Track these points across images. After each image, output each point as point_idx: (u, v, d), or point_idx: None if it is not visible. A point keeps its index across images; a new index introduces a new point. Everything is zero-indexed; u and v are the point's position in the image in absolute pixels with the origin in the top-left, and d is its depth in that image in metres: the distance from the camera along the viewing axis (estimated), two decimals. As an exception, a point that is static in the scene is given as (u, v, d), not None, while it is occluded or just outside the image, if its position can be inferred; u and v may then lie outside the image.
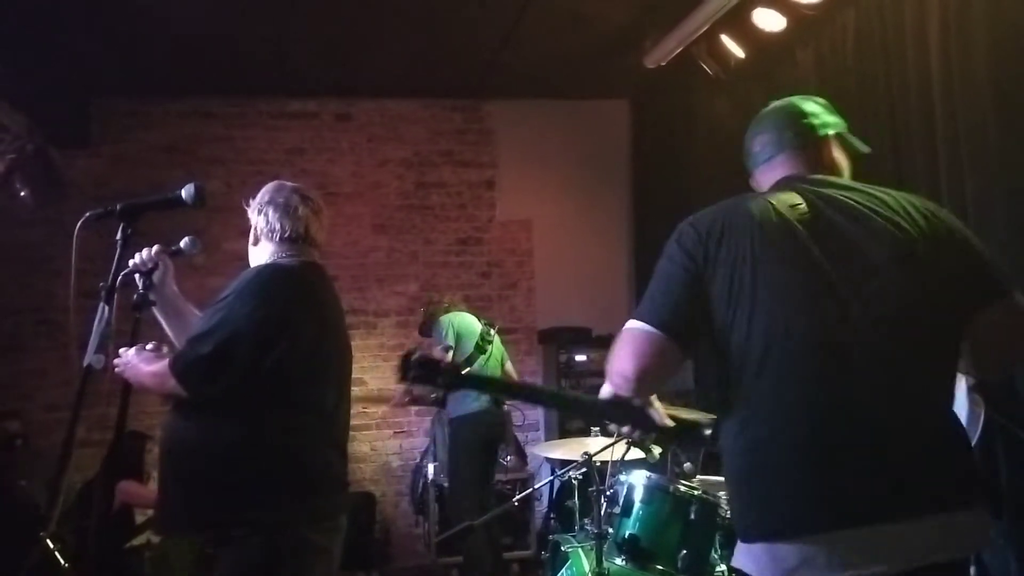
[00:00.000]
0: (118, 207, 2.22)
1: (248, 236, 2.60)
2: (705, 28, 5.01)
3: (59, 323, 5.92)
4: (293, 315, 2.37)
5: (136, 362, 2.36)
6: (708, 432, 1.90)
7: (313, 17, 5.07)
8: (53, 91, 5.36)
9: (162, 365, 2.32)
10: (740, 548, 1.73)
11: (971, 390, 3.17)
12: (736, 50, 5.10)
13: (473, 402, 5.15)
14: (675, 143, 6.31)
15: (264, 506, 2.26)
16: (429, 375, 1.78)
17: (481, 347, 5.28)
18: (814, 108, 1.99)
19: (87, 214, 2.20)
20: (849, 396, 1.63)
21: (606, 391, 1.83)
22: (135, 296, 2.34)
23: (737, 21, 4.89)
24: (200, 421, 2.31)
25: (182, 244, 2.49)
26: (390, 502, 6.50)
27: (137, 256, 2.41)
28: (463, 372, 1.86)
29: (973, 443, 3.10)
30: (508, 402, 5.98)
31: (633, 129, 7.13)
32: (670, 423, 1.85)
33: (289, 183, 2.62)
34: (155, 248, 2.45)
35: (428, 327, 5.49)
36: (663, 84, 6.12)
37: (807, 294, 1.68)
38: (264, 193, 2.57)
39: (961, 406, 3.13)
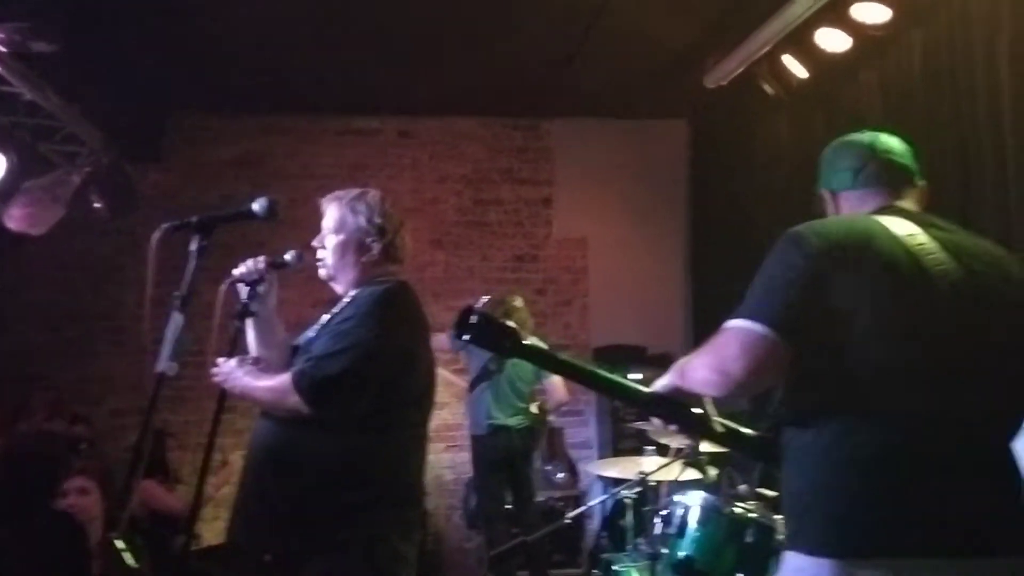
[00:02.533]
0: (194, 219, 2.28)
1: (313, 250, 2.62)
2: (767, 48, 4.98)
3: (128, 331, 6.11)
4: (413, 339, 2.48)
5: (241, 374, 2.39)
6: (752, 447, 1.85)
7: (379, 36, 5.17)
8: (128, 107, 5.54)
9: (281, 380, 2.34)
10: (799, 562, 1.67)
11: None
12: (799, 70, 5.05)
13: (484, 420, 5.20)
14: (734, 164, 6.27)
15: (367, 519, 2.32)
16: (486, 337, 1.75)
17: (498, 362, 5.16)
18: (906, 151, 2.00)
19: (164, 225, 2.25)
20: (954, 429, 1.64)
21: (661, 384, 1.83)
22: (238, 306, 2.40)
23: (800, 41, 4.84)
24: (306, 435, 2.34)
25: (287, 257, 2.50)
26: (442, 515, 6.53)
27: (243, 266, 2.46)
28: (523, 342, 1.82)
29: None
30: (555, 418, 5.99)
31: (691, 149, 7.10)
32: (720, 428, 1.82)
33: (379, 194, 2.63)
34: (261, 259, 2.47)
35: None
36: (723, 105, 6.10)
37: (924, 323, 1.68)
38: (366, 204, 2.56)
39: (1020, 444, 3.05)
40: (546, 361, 2.00)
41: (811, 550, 1.67)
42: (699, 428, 1.83)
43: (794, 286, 1.69)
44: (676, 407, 1.80)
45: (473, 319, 1.76)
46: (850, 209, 1.94)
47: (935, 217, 1.87)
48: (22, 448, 3.63)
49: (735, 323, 1.69)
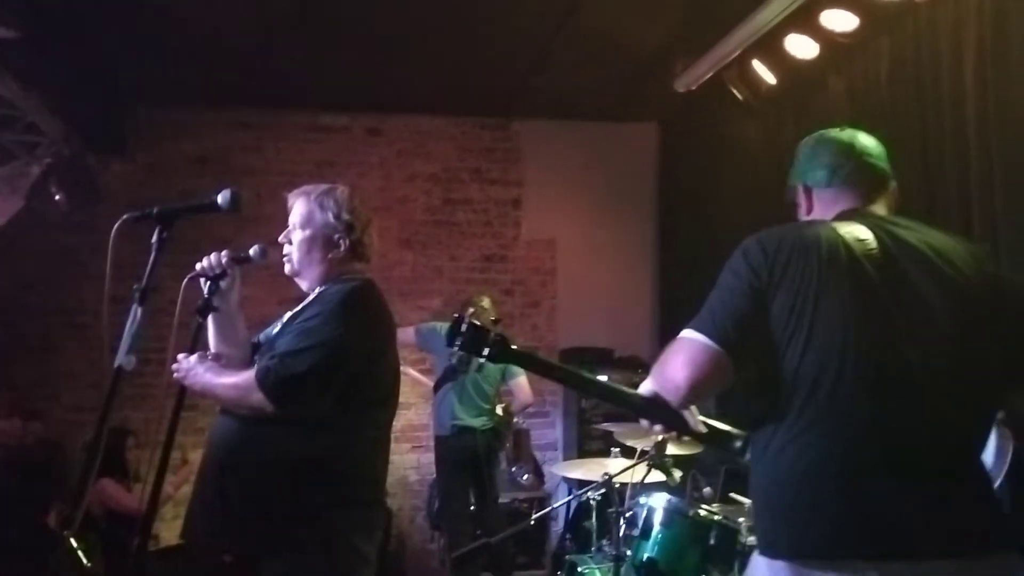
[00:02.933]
0: (155, 210, 2.23)
1: (279, 246, 2.59)
2: (737, 53, 5.01)
3: (88, 326, 6.00)
4: (379, 339, 2.47)
5: (202, 371, 2.36)
6: (738, 444, 1.90)
7: (347, 32, 5.13)
8: (90, 98, 5.44)
9: (245, 377, 2.31)
10: (759, 563, 1.72)
11: (999, 423, 3.13)
12: (767, 76, 5.09)
13: (449, 421, 5.18)
14: (703, 168, 6.30)
15: (329, 518, 2.30)
16: (477, 344, 1.81)
17: (465, 363, 5.12)
18: (882, 152, 2.02)
19: (124, 216, 2.20)
20: (899, 433, 1.67)
21: (646, 388, 1.86)
22: (200, 301, 2.36)
23: (769, 47, 4.89)
24: (268, 433, 2.31)
25: (251, 252, 2.46)
26: (406, 516, 6.50)
27: (205, 260, 2.41)
28: (512, 347, 1.86)
29: (1001, 476, 3.08)
30: (521, 419, 5.99)
31: (661, 153, 7.13)
32: (703, 428, 1.88)
33: (348, 190, 2.61)
34: (224, 254, 2.42)
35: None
36: (692, 109, 6.13)
37: (866, 329, 1.70)
38: (335, 200, 2.54)
39: (990, 440, 3.09)
40: (535, 365, 2.01)
41: (768, 551, 1.71)
42: (683, 429, 1.87)
43: (737, 296, 1.74)
44: (662, 409, 1.84)
45: (463, 327, 1.82)
46: (822, 206, 1.96)
47: (906, 219, 1.88)
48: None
49: (687, 334, 1.77)
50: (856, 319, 1.70)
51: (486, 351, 1.82)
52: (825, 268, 1.72)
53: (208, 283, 2.39)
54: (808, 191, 2.01)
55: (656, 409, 1.84)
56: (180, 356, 2.38)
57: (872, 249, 1.75)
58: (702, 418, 1.89)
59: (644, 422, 1.94)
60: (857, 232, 1.78)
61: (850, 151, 1.98)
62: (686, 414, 1.85)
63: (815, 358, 1.68)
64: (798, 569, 1.64)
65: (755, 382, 1.74)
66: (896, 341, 1.69)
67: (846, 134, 2.03)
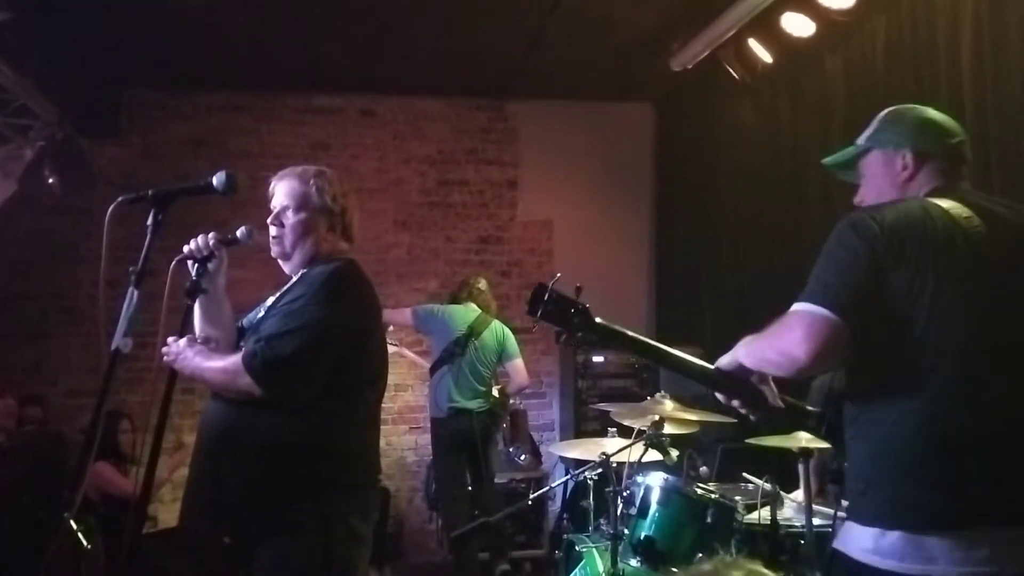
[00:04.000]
0: (150, 192, 2.21)
1: (265, 228, 2.55)
2: (733, 32, 5.00)
3: (83, 310, 5.99)
4: (365, 318, 2.45)
5: (192, 355, 2.34)
6: (812, 421, 1.94)
7: (342, 13, 5.09)
8: (84, 80, 5.41)
9: (232, 361, 2.29)
10: (862, 535, 1.73)
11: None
12: (763, 55, 5.07)
13: (445, 403, 5.19)
14: (699, 147, 6.29)
15: (323, 500, 2.29)
16: (560, 314, 1.80)
17: (461, 345, 5.20)
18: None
19: (119, 198, 2.18)
20: (1008, 410, 1.73)
21: (726, 361, 1.88)
22: (187, 284, 2.33)
23: (765, 25, 4.87)
24: (259, 416, 2.30)
25: (238, 233, 2.42)
26: (404, 497, 6.53)
27: (193, 243, 2.38)
28: (596, 320, 1.85)
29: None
30: (518, 400, 6.02)
31: (657, 132, 7.12)
32: (781, 404, 1.90)
33: (336, 173, 2.59)
34: (211, 236, 2.39)
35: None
36: (688, 88, 6.11)
37: (982, 306, 1.75)
38: (328, 182, 2.52)
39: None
40: (616, 339, 1.99)
41: (880, 522, 1.71)
42: (762, 404, 1.89)
43: (855, 270, 1.74)
44: (739, 383, 1.86)
45: (547, 295, 1.79)
46: (927, 177, 1.95)
47: (989, 196, 1.95)
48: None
49: (801, 307, 1.74)
50: (973, 295, 1.74)
51: (573, 321, 1.79)
52: (943, 245, 1.75)
53: (196, 265, 2.38)
54: (921, 158, 1.96)
55: (735, 383, 1.86)
56: (170, 340, 2.37)
57: (977, 227, 1.79)
58: (779, 395, 1.91)
59: (721, 396, 1.95)
60: (960, 209, 1.81)
61: (955, 131, 1.99)
62: (765, 389, 1.88)
63: (938, 332, 1.71)
64: (916, 539, 1.67)
65: (862, 355, 1.75)
66: (1006, 318, 1.75)
67: (944, 116, 2.03)
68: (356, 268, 2.50)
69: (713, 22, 5.01)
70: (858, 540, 1.74)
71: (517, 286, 6.89)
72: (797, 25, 4.68)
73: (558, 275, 1.88)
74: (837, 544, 1.82)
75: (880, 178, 2.00)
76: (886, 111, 2.06)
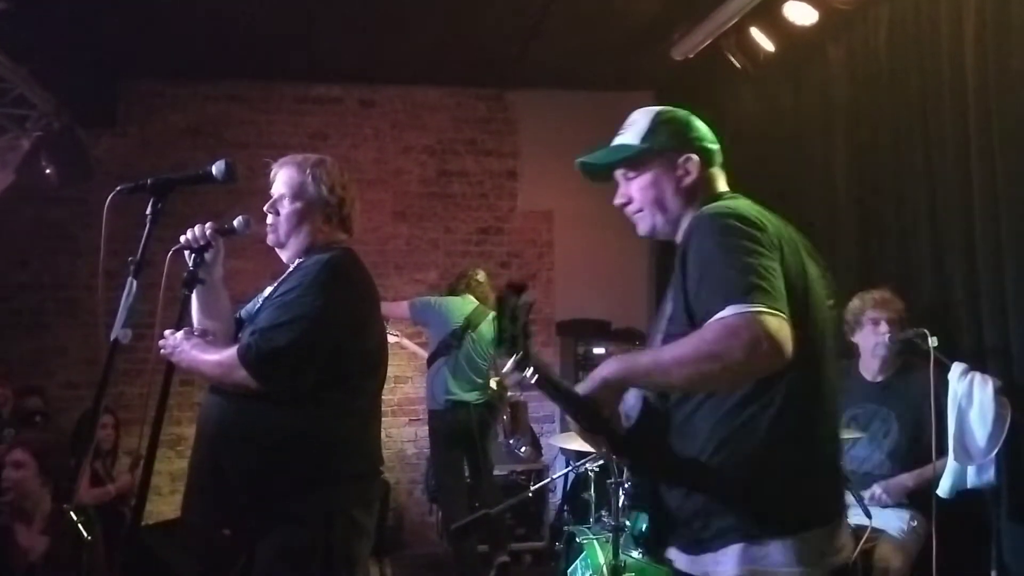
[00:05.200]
0: (149, 181, 2.19)
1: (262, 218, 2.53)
2: (735, 20, 4.95)
3: (81, 301, 5.97)
4: (362, 308, 2.43)
5: (188, 347, 2.32)
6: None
7: (341, 2, 5.05)
8: (81, 70, 5.37)
9: (228, 355, 2.28)
10: (775, 550, 1.65)
11: (998, 392, 3.13)
12: (766, 44, 5.03)
13: (442, 395, 5.19)
14: (700, 137, 6.25)
15: (324, 492, 2.28)
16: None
17: (458, 337, 5.20)
18: None
19: (118, 188, 2.17)
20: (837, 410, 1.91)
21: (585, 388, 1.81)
22: (185, 274, 2.32)
23: (768, 14, 4.82)
24: (257, 409, 2.29)
25: (235, 223, 2.40)
26: (404, 490, 6.52)
27: (189, 232, 2.35)
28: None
29: (999, 445, 3.08)
30: (518, 392, 6.00)
31: (658, 122, 7.07)
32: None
33: (336, 162, 2.57)
34: (208, 225, 2.37)
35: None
36: (690, 77, 6.06)
37: (825, 308, 1.82)
38: (327, 172, 2.49)
39: (988, 409, 3.10)
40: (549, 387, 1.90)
41: (782, 530, 1.66)
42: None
43: (767, 259, 1.62)
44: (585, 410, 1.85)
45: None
46: (713, 183, 1.96)
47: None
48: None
49: (742, 308, 1.53)
50: (822, 301, 1.80)
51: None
52: (798, 244, 1.78)
53: (193, 255, 2.36)
54: (706, 163, 1.93)
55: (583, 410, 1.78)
56: (167, 332, 2.36)
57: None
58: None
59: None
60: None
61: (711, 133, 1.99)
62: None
63: (815, 327, 1.73)
64: (831, 533, 1.72)
65: None
66: (826, 311, 1.82)
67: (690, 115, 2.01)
68: (352, 257, 2.47)
69: (715, 11, 4.96)
70: (760, 562, 1.70)
71: (517, 277, 6.86)
72: (799, 14, 4.64)
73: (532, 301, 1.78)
74: None
75: (662, 180, 1.94)
76: (656, 111, 2.05)
